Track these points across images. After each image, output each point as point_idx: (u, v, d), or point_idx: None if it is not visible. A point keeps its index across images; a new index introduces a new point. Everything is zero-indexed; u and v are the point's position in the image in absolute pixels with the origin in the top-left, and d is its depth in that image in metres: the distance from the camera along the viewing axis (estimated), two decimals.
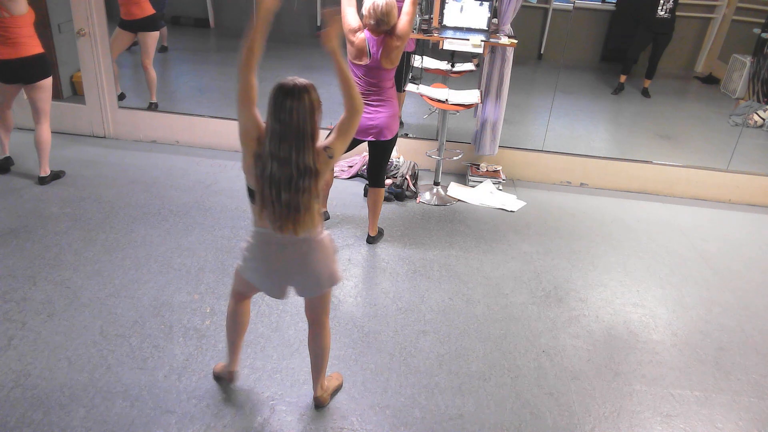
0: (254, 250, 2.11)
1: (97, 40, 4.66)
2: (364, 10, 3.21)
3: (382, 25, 3.17)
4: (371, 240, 3.76)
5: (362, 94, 3.30)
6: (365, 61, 3.26)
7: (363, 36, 3.25)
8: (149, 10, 4.95)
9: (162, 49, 6.34)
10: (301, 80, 1.87)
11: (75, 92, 5.32)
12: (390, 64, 3.27)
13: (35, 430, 2.27)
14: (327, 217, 3.94)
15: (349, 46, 3.29)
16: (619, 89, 6.68)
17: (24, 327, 2.79)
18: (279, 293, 2.20)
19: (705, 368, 2.92)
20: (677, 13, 6.29)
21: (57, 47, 5.12)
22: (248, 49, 1.91)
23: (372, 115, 3.36)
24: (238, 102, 1.94)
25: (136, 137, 5.03)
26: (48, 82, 3.89)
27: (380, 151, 3.53)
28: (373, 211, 3.68)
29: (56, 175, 4.18)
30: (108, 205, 3.92)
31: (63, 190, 4.08)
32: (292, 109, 1.82)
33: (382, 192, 3.66)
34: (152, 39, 5.03)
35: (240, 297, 2.37)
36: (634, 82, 6.86)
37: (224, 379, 2.56)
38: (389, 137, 3.44)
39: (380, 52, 3.22)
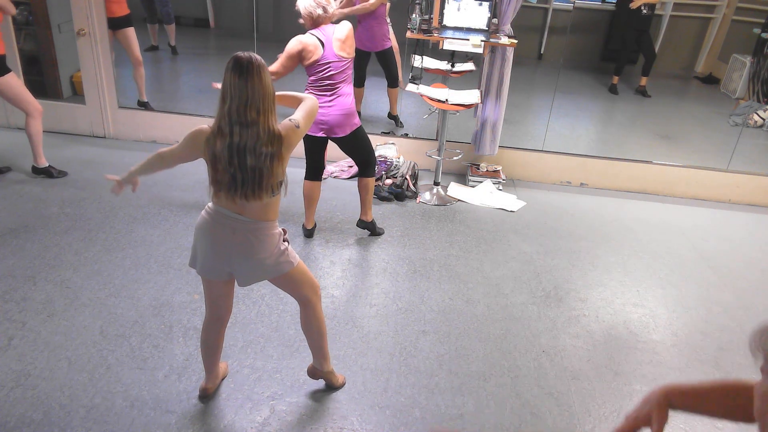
0: (205, 227, 2.10)
1: (97, 40, 4.66)
2: (304, 8, 3.21)
3: (329, 9, 3.22)
4: (362, 225, 3.79)
5: (317, 91, 3.33)
6: (319, 54, 3.22)
7: (306, 36, 3.23)
8: (126, 9, 4.97)
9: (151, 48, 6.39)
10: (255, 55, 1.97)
11: (75, 92, 5.32)
12: (345, 50, 3.27)
13: (35, 430, 2.27)
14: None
15: (302, 60, 3.25)
16: (612, 90, 6.71)
17: (24, 327, 2.79)
18: (220, 275, 2.18)
19: (705, 368, 2.92)
20: (674, 13, 6.33)
21: (57, 47, 5.12)
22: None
23: (324, 110, 3.34)
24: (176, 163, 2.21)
25: (136, 137, 5.03)
26: (2, 81, 3.85)
27: (346, 146, 3.55)
28: (363, 197, 3.70)
29: (49, 173, 4.17)
30: (108, 205, 3.92)
31: (63, 190, 4.08)
32: (259, 74, 1.92)
33: (369, 181, 3.65)
34: (133, 33, 5.05)
35: (212, 314, 2.32)
36: (631, 81, 6.87)
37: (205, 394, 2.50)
38: (340, 135, 3.41)
39: (333, 39, 3.23)
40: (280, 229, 2.18)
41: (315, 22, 3.24)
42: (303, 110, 2.17)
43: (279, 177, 2.03)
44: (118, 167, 4.49)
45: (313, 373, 2.53)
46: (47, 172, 4.18)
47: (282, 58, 3.24)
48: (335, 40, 3.24)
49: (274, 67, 3.22)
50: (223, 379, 2.56)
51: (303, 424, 2.40)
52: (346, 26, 3.29)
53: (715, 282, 3.67)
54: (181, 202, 4.03)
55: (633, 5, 6.24)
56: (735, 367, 2.94)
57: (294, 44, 3.22)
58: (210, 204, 2.10)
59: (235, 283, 2.28)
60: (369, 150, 3.58)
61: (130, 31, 5.00)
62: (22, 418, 2.31)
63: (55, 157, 4.41)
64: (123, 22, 4.93)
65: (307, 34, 3.25)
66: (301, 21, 3.29)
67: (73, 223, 3.69)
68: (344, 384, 2.60)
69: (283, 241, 2.18)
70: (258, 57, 1.95)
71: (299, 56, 3.24)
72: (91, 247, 3.46)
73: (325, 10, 3.21)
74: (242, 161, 1.95)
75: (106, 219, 3.76)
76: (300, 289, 2.29)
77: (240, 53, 1.95)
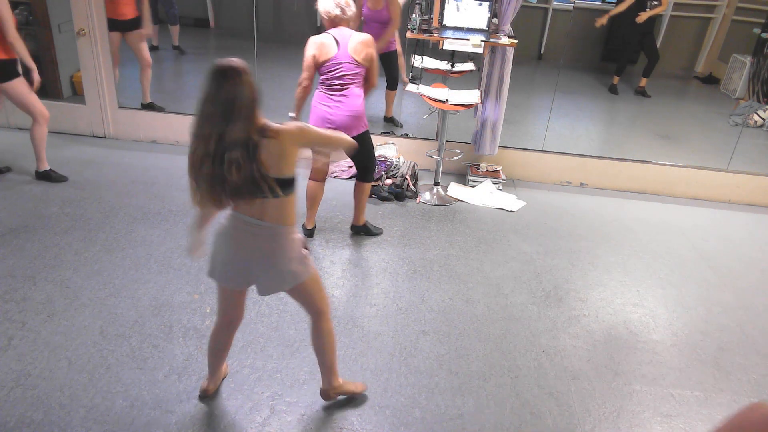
0: (226, 234, 2.09)
1: (97, 40, 4.66)
2: (323, 8, 3.25)
3: (347, 11, 3.25)
4: (355, 229, 3.81)
5: (327, 90, 3.34)
6: (332, 54, 3.24)
7: (321, 36, 3.27)
8: (136, 11, 4.98)
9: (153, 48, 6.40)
10: (236, 61, 1.90)
11: (75, 92, 5.32)
12: (359, 54, 3.27)
13: (35, 430, 2.27)
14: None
15: (317, 59, 3.27)
16: (612, 90, 6.71)
17: (24, 327, 2.79)
18: (240, 283, 2.17)
19: (705, 368, 2.92)
20: (674, 13, 6.35)
21: (57, 47, 5.12)
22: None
23: (332, 110, 3.33)
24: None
25: (136, 137, 5.03)
26: (9, 86, 3.81)
27: None
28: (357, 201, 3.72)
29: (48, 176, 4.16)
30: (108, 205, 3.92)
31: (63, 190, 4.08)
32: (232, 87, 1.85)
33: (366, 186, 3.66)
34: (142, 36, 5.06)
35: (223, 319, 2.31)
36: (631, 81, 6.87)
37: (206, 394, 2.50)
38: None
39: (349, 42, 3.25)
40: (300, 236, 2.16)
41: (332, 22, 3.28)
42: (330, 132, 2.15)
43: (267, 172, 1.94)
44: (118, 167, 4.49)
45: (327, 394, 2.48)
46: (47, 176, 4.17)
47: (303, 66, 3.28)
48: (351, 42, 3.25)
49: (301, 78, 3.29)
50: (223, 380, 2.56)
51: (303, 424, 2.40)
52: (366, 35, 3.31)
53: (715, 282, 3.67)
54: (181, 202, 4.03)
55: (639, 20, 6.27)
56: (735, 367, 2.94)
57: (308, 45, 3.27)
58: (229, 210, 2.08)
59: (248, 290, 2.26)
60: (371, 155, 3.59)
61: (141, 34, 5.02)
62: (22, 418, 2.31)
63: (56, 157, 4.41)
64: (133, 24, 4.94)
65: (323, 33, 3.28)
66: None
67: (73, 223, 3.69)
68: (364, 389, 2.56)
69: (304, 248, 2.17)
70: (237, 65, 1.87)
71: (315, 56, 3.27)
72: (91, 247, 3.46)
73: (343, 11, 3.24)
74: (208, 169, 1.90)
75: (106, 219, 3.76)
76: (314, 300, 2.27)
77: (220, 62, 1.88)
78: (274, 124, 1.97)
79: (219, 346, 2.38)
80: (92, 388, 2.48)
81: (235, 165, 1.88)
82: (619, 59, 6.69)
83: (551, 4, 7.17)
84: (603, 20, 6.52)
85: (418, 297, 3.26)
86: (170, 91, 6.19)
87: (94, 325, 2.84)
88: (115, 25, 4.87)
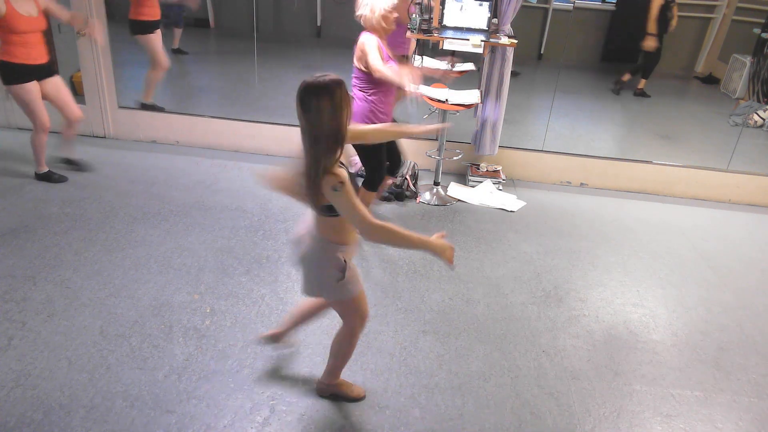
0: (301, 226, 2.24)
1: (97, 40, 4.65)
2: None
3: (357, 13, 3.29)
4: None
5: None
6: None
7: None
8: (159, 13, 5.04)
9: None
10: (330, 76, 1.87)
11: (75, 92, 5.31)
12: (357, 58, 3.30)
13: (35, 430, 2.27)
14: None
15: None
16: (619, 87, 6.69)
17: (24, 327, 2.79)
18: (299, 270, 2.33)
19: (705, 368, 2.92)
20: (677, 13, 6.37)
21: (57, 47, 5.12)
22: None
23: None
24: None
25: (136, 137, 5.03)
26: (14, 90, 3.82)
27: (357, 149, 3.58)
28: None
29: (48, 177, 4.16)
30: (108, 205, 3.93)
31: (63, 190, 4.08)
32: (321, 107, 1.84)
33: (367, 194, 3.64)
34: (160, 36, 5.12)
35: None
36: (630, 82, 6.87)
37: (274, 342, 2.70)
38: None
39: (356, 47, 3.31)
40: (340, 258, 2.10)
41: None
42: (364, 212, 2.00)
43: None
44: (118, 167, 4.49)
45: (322, 389, 2.52)
46: (47, 177, 4.17)
47: None
48: (357, 47, 3.29)
49: None
50: (283, 345, 2.70)
51: (303, 424, 2.40)
52: (366, 37, 3.27)
53: (715, 282, 3.67)
54: (181, 202, 4.03)
55: (671, 28, 6.31)
56: (735, 367, 2.94)
57: None
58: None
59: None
60: (375, 165, 3.55)
61: (160, 35, 5.07)
62: (22, 418, 2.31)
63: (56, 157, 4.40)
64: (156, 25, 4.98)
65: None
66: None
67: (73, 223, 3.69)
68: (362, 396, 2.55)
69: (340, 271, 2.10)
70: (331, 80, 1.86)
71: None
72: (91, 247, 3.46)
73: (358, 14, 3.30)
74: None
75: (106, 219, 3.76)
76: (345, 318, 2.32)
77: (313, 78, 1.86)
78: (337, 168, 1.91)
79: (304, 310, 2.55)
80: (92, 388, 2.48)
81: (306, 169, 1.92)
82: (635, 60, 6.66)
83: (551, 4, 7.18)
84: (652, 42, 6.40)
85: (418, 297, 3.26)
86: (170, 91, 6.19)
87: (94, 325, 2.85)
88: (153, 26, 4.96)
